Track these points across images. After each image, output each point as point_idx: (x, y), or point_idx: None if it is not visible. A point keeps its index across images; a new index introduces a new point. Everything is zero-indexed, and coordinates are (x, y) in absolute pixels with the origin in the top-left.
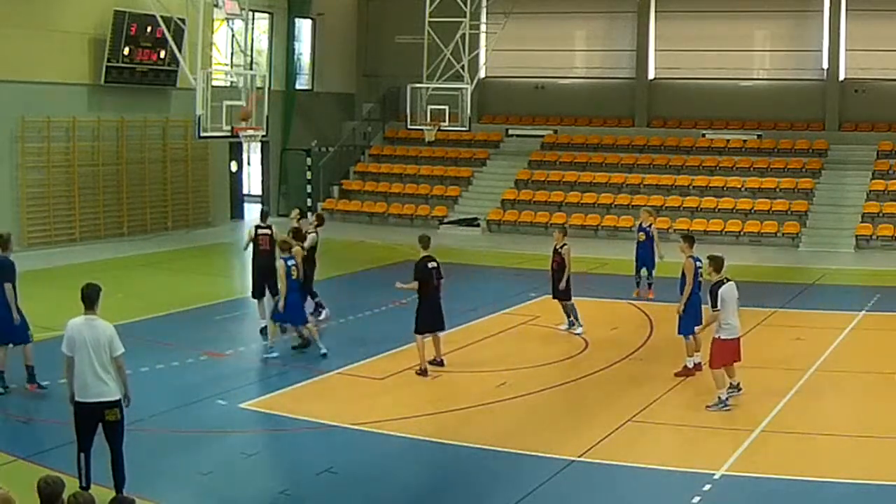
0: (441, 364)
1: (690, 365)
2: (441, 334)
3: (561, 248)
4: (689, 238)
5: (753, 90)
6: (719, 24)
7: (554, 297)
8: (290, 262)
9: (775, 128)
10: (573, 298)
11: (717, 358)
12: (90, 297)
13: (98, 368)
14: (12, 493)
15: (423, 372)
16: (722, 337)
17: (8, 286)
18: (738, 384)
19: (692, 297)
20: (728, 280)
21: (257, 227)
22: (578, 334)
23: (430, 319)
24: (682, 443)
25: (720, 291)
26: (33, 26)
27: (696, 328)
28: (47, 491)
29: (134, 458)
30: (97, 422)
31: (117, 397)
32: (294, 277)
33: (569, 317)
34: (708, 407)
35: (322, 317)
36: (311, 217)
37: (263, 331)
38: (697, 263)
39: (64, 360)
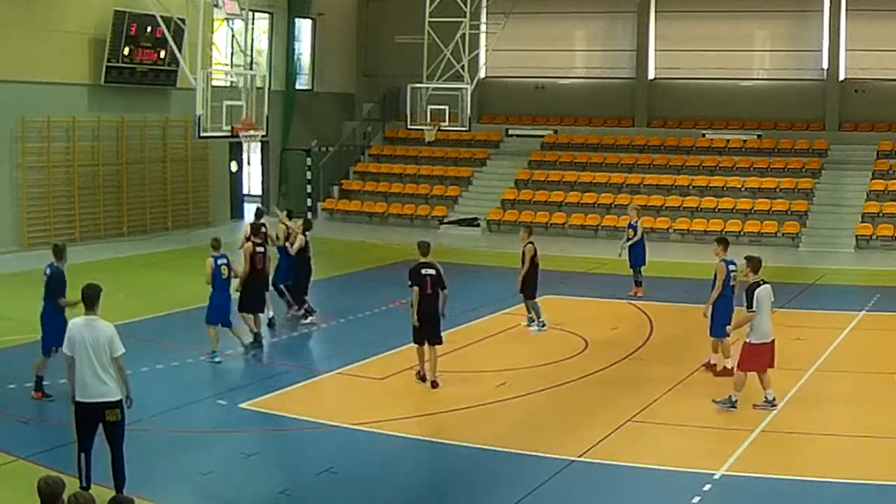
0: (434, 385)
1: (713, 362)
2: (437, 348)
3: (524, 247)
4: (724, 241)
5: (753, 90)
6: (719, 24)
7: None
8: (219, 262)
9: (775, 128)
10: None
11: (747, 361)
12: (90, 298)
13: (98, 369)
14: (12, 493)
15: (422, 377)
16: (753, 341)
17: (62, 300)
18: (774, 399)
19: (724, 301)
20: (765, 282)
21: (253, 225)
22: (538, 330)
23: (423, 329)
24: (682, 443)
25: (757, 292)
26: (33, 26)
27: (727, 327)
28: (48, 491)
29: (134, 458)
30: (98, 422)
31: (118, 398)
32: (224, 277)
33: (529, 312)
34: (715, 401)
35: (308, 320)
36: (297, 221)
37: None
38: (731, 267)
39: (65, 360)
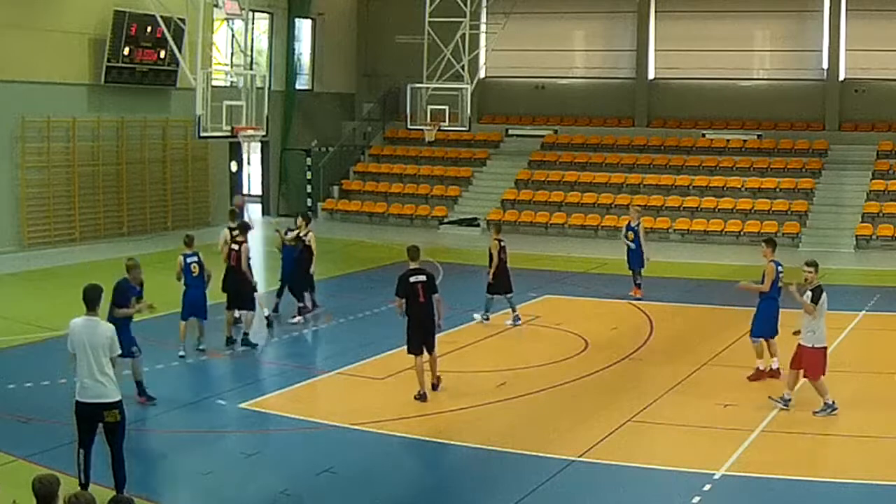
0: (435, 388)
1: (769, 366)
2: (434, 355)
3: (490, 243)
4: (772, 242)
5: (753, 90)
6: (719, 24)
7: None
8: (189, 259)
9: (775, 128)
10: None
11: (819, 367)
12: (91, 298)
13: (96, 370)
14: (11, 493)
15: (421, 396)
16: (815, 345)
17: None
18: (790, 400)
19: (770, 303)
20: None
21: (230, 228)
22: (482, 320)
23: (419, 337)
24: (682, 443)
25: (823, 294)
26: (33, 26)
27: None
28: (43, 491)
29: (134, 458)
30: (97, 422)
31: (116, 398)
32: (195, 275)
33: (515, 311)
34: (815, 412)
35: (295, 320)
36: (301, 221)
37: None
38: (779, 268)
39: (70, 357)
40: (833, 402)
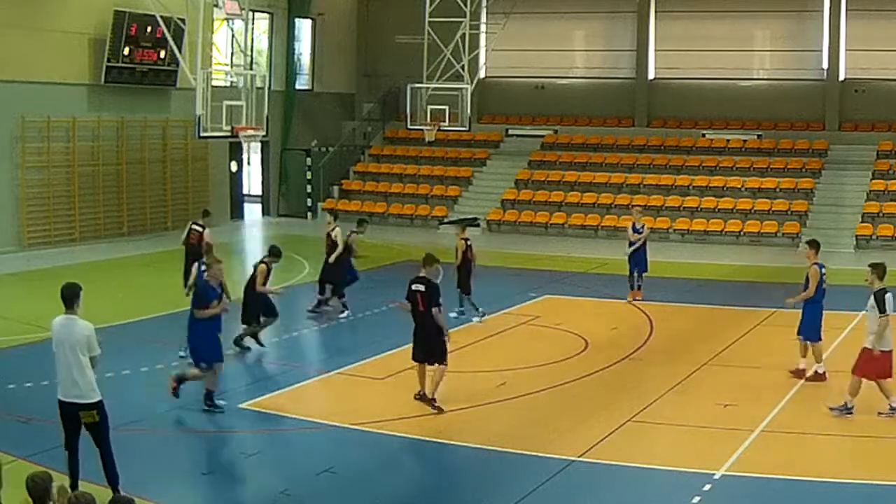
0: (437, 408)
1: (798, 367)
2: (439, 367)
3: (457, 242)
4: (815, 244)
5: (753, 90)
6: (719, 24)
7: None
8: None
9: (775, 128)
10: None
11: (866, 367)
12: (68, 297)
13: (73, 370)
14: (12, 493)
15: (421, 397)
16: (880, 349)
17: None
18: (853, 406)
19: (815, 306)
20: (886, 289)
21: (193, 222)
22: (480, 320)
23: (420, 347)
24: (682, 443)
25: (887, 297)
26: (33, 26)
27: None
28: (37, 490)
29: (134, 457)
30: (77, 422)
31: (93, 400)
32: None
33: (461, 306)
34: (831, 408)
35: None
36: (329, 218)
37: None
38: (822, 270)
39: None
40: (852, 407)
